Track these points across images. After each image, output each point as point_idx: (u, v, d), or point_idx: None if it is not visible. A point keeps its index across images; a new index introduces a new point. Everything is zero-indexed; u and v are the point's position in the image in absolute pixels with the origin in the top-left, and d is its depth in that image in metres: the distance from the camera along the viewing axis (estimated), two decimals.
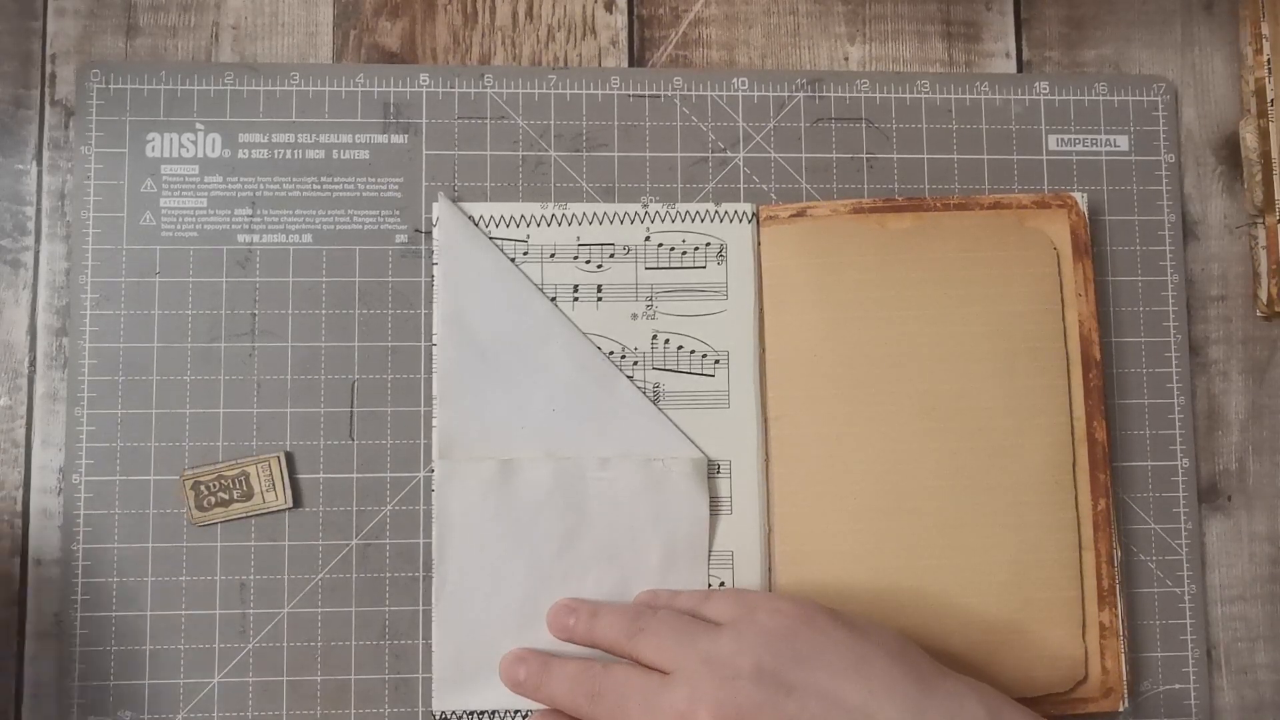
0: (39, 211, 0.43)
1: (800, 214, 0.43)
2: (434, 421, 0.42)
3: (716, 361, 0.43)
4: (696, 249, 0.43)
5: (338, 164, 0.43)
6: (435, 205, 0.43)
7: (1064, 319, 0.43)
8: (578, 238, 0.43)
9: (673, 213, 0.43)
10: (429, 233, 0.43)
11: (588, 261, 0.43)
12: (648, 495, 0.41)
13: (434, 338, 0.42)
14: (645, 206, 0.43)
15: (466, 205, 0.43)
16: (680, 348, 0.43)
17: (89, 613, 0.41)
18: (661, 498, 0.41)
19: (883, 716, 0.33)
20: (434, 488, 0.41)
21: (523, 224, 0.43)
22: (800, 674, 0.34)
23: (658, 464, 0.42)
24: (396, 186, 0.43)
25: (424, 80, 0.44)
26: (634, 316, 0.43)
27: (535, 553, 0.41)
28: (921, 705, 0.33)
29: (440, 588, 0.41)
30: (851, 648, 0.35)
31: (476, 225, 0.43)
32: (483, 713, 0.41)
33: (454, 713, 0.41)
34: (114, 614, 0.41)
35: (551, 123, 0.44)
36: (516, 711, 0.41)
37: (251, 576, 0.41)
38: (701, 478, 0.42)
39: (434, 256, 0.43)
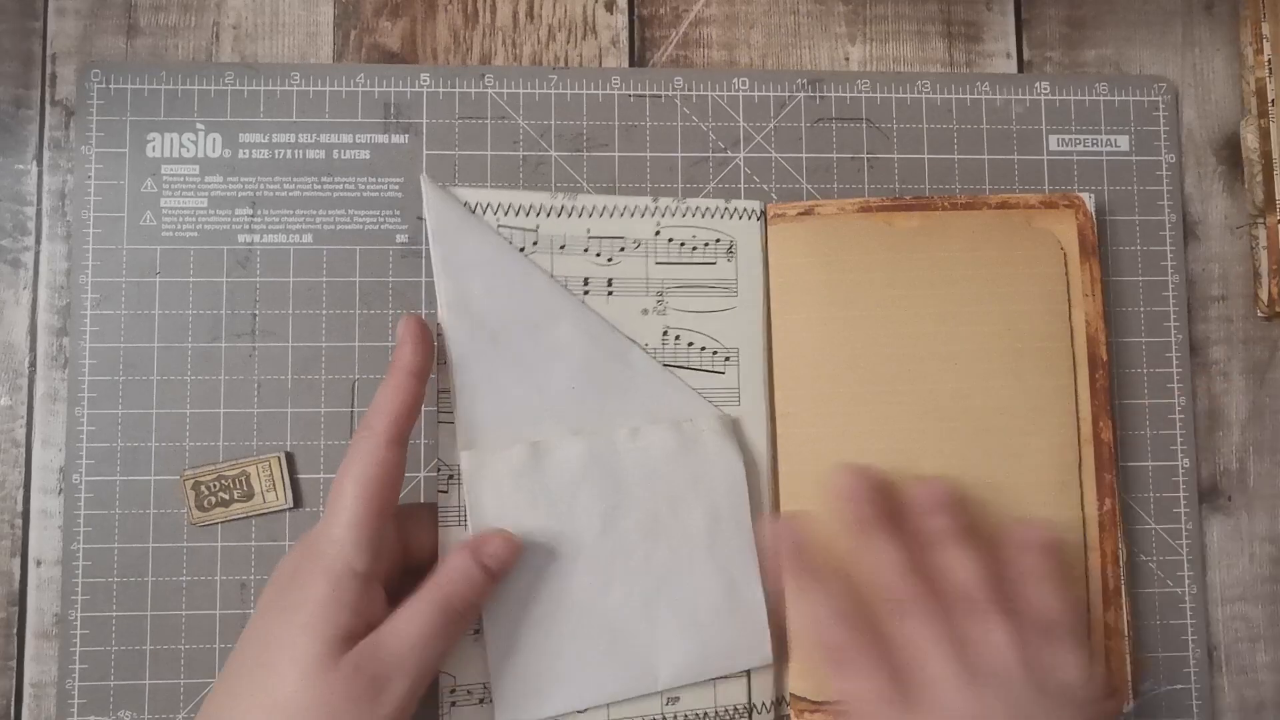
0: (39, 211, 0.43)
1: (808, 212, 0.43)
2: (440, 417, 0.39)
3: (727, 358, 0.43)
4: (706, 245, 0.43)
5: (338, 164, 0.43)
6: (422, 188, 0.41)
7: (1070, 319, 0.43)
8: (588, 230, 0.43)
9: (682, 208, 0.43)
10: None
11: (598, 254, 0.42)
12: (684, 458, 0.40)
13: (438, 326, 0.40)
14: (655, 200, 0.43)
15: (471, 190, 0.42)
16: (690, 344, 0.42)
17: (89, 613, 0.41)
18: (697, 458, 0.41)
19: None
20: (462, 482, 0.39)
21: (531, 213, 0.42)
22: None
23: (688, 424, 0.41)
24: (397, 186, 0.43)
25: (424, 80, 0.44)
26: (644, 312, 0.42)
27: (578, 536, 0.39)
28: None
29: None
30: None
31: (472, 210, 0.41)
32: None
33: None
34: (114, 614, 0.41)
35: (552, 123, 0.44)
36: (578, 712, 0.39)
37: (252, 577, 0.41)
38: (731, 434, 0.41)
39: (427, 241, 0.41)
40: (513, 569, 0.37)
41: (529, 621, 0.39)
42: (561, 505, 0.39)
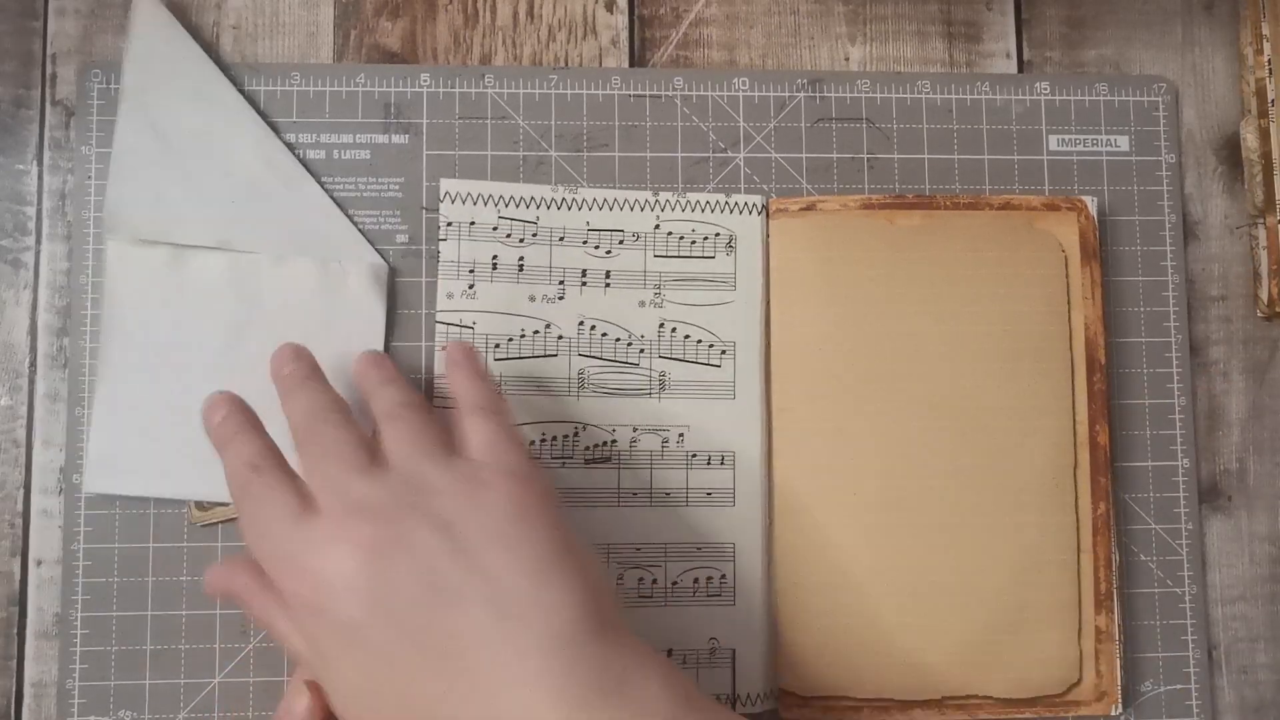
0: (39, 211, 0.43)
1: (810, 208, 0.43)
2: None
3: (723, 352, 0.43)
4: (706, 239, 0.43)
5: (338, 164, 0.43)
6: (136, 8, 0.42)
7: (1070, 322, 0.43)
8: (587, 223, 0.43)
9: (682, 201, 0.43)
10: (434, 209, 0.43)
11: (596, 247, 0.43)
12: (323, 299, 0.41)
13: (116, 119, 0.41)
14: (655, 194, 0.43)
15: (472, 183, 0.43)
16: (687, 337, 0.43)
17: (89, 613, 0.41)
18: (337, 302, 0.41)
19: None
20: (106, 265, 0.41)
21: (533, 205, 0.43)
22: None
23: (335, 266, 0.41)
24: (397, 186, 0.43)
25: (425, 80, 0.44)
26: (641, 304, 0.43)
27: (202, 344, 0.41)
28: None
29: (103, 371, 0.40)
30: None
31: (475, 203, 0.42)
32: (133, 499, 0.41)
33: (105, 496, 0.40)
34: (114, 614, 0.41)
35: (552, 123, 0.44)
36: (168, 500, 0.41)
37: None
38: (380, 286, 0.42)
39: (124, 54, 0.42)
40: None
41: (137, 407, 0.40)
42: (192, 311, 0.41)
